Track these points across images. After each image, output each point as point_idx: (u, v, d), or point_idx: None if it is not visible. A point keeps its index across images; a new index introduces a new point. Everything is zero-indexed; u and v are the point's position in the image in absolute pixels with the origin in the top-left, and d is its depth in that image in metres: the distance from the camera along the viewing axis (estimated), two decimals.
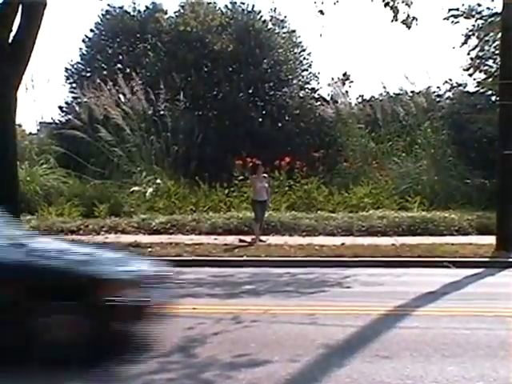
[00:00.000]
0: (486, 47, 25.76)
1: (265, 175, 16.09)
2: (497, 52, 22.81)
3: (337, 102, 26.04)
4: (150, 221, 17.66)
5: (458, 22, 25.79)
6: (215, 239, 15.57)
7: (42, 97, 46.21)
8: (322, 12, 14.63)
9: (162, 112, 23.55)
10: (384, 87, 26.66)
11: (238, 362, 5.87)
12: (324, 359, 6.04)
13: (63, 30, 48.74)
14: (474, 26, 25.77)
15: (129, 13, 33.25)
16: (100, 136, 22.31)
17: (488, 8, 25.27)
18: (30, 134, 26.48)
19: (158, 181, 21.29)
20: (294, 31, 32.58)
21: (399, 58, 44.96)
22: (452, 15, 25.74)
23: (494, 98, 23.44)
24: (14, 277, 5.79)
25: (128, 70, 27.96)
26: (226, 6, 31.52)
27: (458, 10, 25.71)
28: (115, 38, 32.46)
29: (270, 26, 31.45)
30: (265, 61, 29.89)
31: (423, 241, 14.78)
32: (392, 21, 13.46)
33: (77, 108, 25.93)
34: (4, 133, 14.36)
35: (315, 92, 31.06)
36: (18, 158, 16.38)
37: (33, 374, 5.56)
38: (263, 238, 15.41)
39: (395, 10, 13.22)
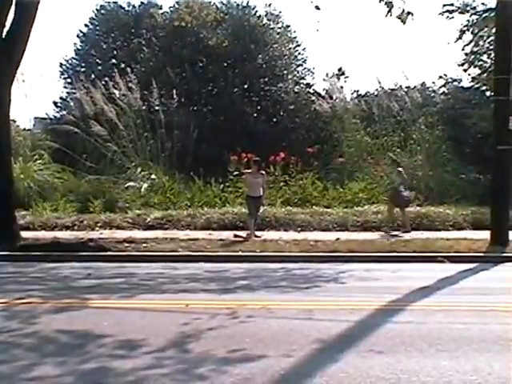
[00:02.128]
0: (481, 42, 25.79)
1: (262, 172, 16.01)
2: (491, 47, 22.87)
3: (332, 98, 26.05)
4: (144, 216, 17.65)
5: (452, 17, 25.86)
6: (210, 234, 15.56)
7: (37, 92, 46.08)
8: (317, 7, 14.56)
9: (156, 107, 23.52)
10: (379, 82, 26.65)
11: (232, 357, 5.88)
12: (318, 354, 6.05)
13: (58, 25, 48.63)
14: (468, 21, 25.81)
15: (123, 8, 33.23)
16: (94, 131, 22.27)
17: (482, 3, 25.37)
18: (25, 129, 26.42)
19: (153, 176, 21.27)
20: (288, 26, 32.65)
21: (394, 54, 45.02)
22: (447, 10, 25.80)
23: (488, 94, 23.49)
24: None
25: (123, 66, 27.96)
26: (221, 1, 31.55)
27: (452, 5, 25.77)
28: (110, 34, 32.43)
29: (264, 21, 31.46)
30: (260, 56, 29.89)
31: (418, 236, 14.82)
32: (386, 16, 13.40)
33: (71, 103, 25.92)
34: None
35: (310, 87, 31.09)
36: (13, 154, 16.35)
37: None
38: (258, 233, 15.42)
39: (389, 5, 13.15)
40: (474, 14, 25.53)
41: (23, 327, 7.11)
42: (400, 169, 17.11)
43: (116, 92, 24.01)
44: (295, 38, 32.58)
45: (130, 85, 23.76)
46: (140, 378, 5.40)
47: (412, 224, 16.49)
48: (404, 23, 13.22)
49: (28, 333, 6.86)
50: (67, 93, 30.79)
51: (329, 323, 7.19)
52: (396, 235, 15.52)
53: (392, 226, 16.36)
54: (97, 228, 16.79)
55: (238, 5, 31.19)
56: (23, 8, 14.21)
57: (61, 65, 32.35)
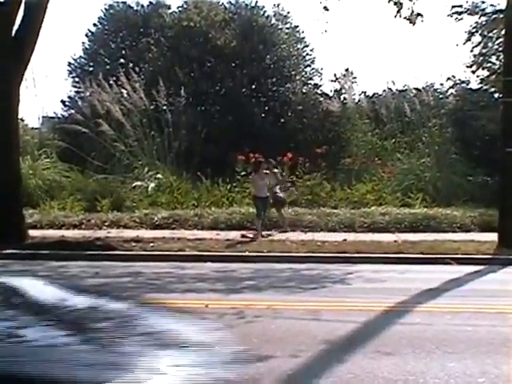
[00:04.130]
0: (490, 44, 25.71)
1: (267, 172, 16.07)
2: (500, 49, 22.72)
3: (340, 98, 26.03)
4: (152, 216, 17.65)
5: (461, 18, 25.76)
6: (217, 234, 15.56)
7: (45, 91, 46.21)
8: (326, 8, 14.58)
9: (164, 107, 23.53)
10: (393, 82, 26.53)
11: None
12: (326, 355, 6.04)
13: (67, 25, 48.78)
14: (477, 22, 25.74)
15: (132, 8, 33.22)
16: (102, 131, 22.31)
17: (491, 5, 25.27)
18: (33, 128, 26.49)
19: (160, 176, 21.28)
20: (297, 27, 32.61)
21: (402, 55, 44.86)
22: (455, 12, 25.71)
23: (497, 96, 23.41)
24: None
25: (131, 65, 27.98)
26: (230, 1, 31.51)
27: (461, 6, 25.69)
28: (118, 33, 32.44)
29: (273, 21, 31.44)
30: (268, 56, 29.85)
31: (425, 237, 14.77)
32: (395, 16, 13.38)
33: (79, 103, 25.97)
34: (7, 128, 14.41)
35: (318, 88, 31.05)
36: (20, 153, 16.40)
37: None
38: (265, 233, 15.42)
39: (399, 5, 13.14)
40: (483, 15, 25.44)
41: None
42: (275, 170, 17.12)
43: (124, 91, 24.05)
44: (303, 38, 32.55)
45: (137, 84, 23.79)
46: None
47: (419, 225, 16.46)
48: (413, 24, 13.21)
49: None
50: (75, 92, 30.85)
51: (336, 324, 7.18)
52: (269, 234, 15.52)
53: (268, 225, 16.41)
54: (104, 227, 16.82)
55: (246, 5, 31.18)
56: (32, 7, 14.26)
57: (69, 64, 32.39)
